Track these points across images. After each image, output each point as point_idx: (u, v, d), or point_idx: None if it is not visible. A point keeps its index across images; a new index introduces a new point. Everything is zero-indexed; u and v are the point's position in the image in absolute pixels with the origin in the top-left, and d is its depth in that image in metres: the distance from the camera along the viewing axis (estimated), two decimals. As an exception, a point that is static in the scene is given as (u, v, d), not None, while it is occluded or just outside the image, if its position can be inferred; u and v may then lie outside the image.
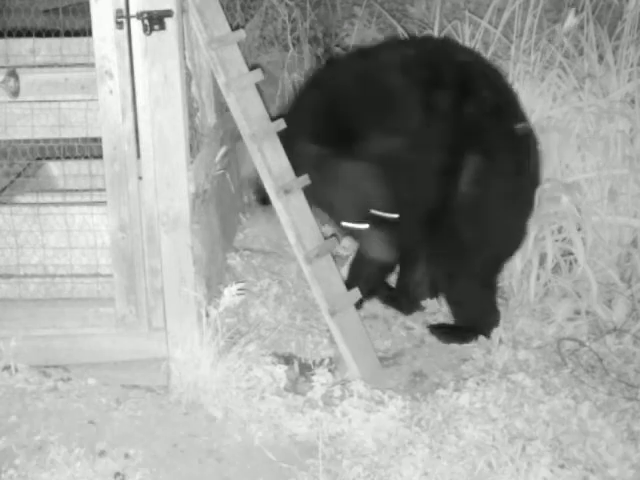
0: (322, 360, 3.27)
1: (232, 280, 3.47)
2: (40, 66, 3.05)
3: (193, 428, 2.83)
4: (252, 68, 3.25)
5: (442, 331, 3.51)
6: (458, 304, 3.49)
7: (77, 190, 3.26)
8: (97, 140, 2.92)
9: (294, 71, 4.53)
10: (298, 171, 3.12)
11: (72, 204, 3.04)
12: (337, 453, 2.77)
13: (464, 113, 3.15)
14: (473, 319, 3.48)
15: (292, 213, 3.10)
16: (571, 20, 3.84)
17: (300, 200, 3.15)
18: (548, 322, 3.57)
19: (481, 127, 3.17)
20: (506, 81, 3.47)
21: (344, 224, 3.26)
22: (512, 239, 3.46)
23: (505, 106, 3.29)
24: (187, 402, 2.92)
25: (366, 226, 3.18)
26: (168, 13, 2.73)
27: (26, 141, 3.08)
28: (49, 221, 3.02)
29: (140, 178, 2.86)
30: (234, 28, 3.28)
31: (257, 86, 3.19)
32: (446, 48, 3.46)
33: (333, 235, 3.73)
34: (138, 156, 2.85)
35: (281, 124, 3.16)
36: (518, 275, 3.72)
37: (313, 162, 3.15)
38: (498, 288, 3.58)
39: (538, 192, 3.50)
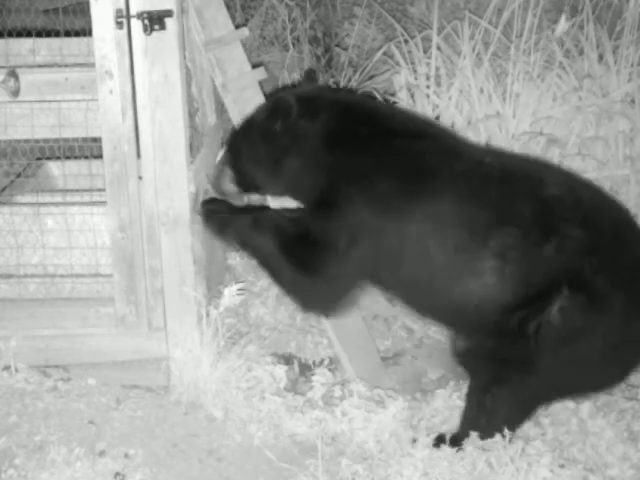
0: (322, 360, 3.27)
1: (232, 280, 3.48)
2: (40, 66, 3.05)
3: (193, 428, 2.83)
4: (255, 66, 3.26)
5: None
6: (481, 409, 2.86)
7: (77, 190, 3.26)
8: (97, 140, 2.92)
9: (294, 71, 4.53)
10: None
11: (72, 204, 3.05)
12: (337, 453, 2.77)
13: (545, 256, 2.73)
14: (487, 424, 2.88)
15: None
16: (563, 25, 3.85)
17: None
18: (548, 322, 3.57)
19: (571, 267, 2.72)
20: (613, 204, 2.96)
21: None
22: (597, 384, 2.95)
23: (606, 239, 2.79)
24: (187, 402, 2.92)
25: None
26: (168, 13, 2.73)
27: (26, 141, 3.09)
28: (49, 221, 3.02)
29: (140, 178, 2.86)
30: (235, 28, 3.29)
31: (260, 84, 3.19)
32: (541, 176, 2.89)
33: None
34: (138, 156, 2.85)
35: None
36: (518, 275, 3.71)
37: None
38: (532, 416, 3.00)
39: None
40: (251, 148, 2.95)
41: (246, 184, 3.01)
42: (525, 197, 2.80)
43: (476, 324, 2.83)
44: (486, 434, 2.78)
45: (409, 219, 2.79)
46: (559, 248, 2.72)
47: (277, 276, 2.97)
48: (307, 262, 2.88)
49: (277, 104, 2.91)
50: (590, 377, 2.87)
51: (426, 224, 2.78)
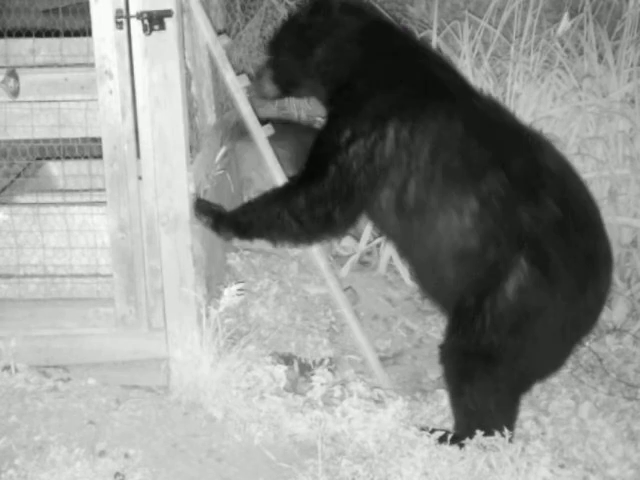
0: (322, 360, 3.27)
1: (232, 280, 3.48)
2: (40, 66, 3.05)
3: (193, 428, 2.83)
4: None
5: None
6: (466, 413, 2.92)
7: (77, 190, 3.26)
8: (97, 140, 2.92)
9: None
10: None
11: (72, 204, 3.04)
12: (337, 453, 2.77)
13: (519, 215, 2.80)
14: (475, 424, 2.89)
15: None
16: (565, 23, 3.84)
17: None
18: (548, 322, 3.57)
19: (537, 237, 2.79)
20: (589, 199, 3.00)
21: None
22: (551, 362, 3.00)
23: (575, 225, 2.86)
24: (187, 402, 2.92)
25: None
26: (168, 13, 2.73)
27: (26, 141, 3.08)
28: (49, 221, 3.02)
29: (140, 178, 2.86)
30: (234, 28, 3.30)
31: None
32: (532, 145, 2.98)
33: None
34: (138, 156, 2.85)
35: (269, 129, 3.20)
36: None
37: None
38: (518, 409, 3.02)
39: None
40: (291, 40, 3.11)
41: (284, 81, 3.15)
42: (521, 154, 2.88)
43: (447, 284, 2.89)
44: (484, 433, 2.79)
45: (418, 131, 2.85)
46: (533, 213, 2.79)
47: (283, 230, 3.00)
48: (309, 192, 2.95)
49: (319, 2, 3.06)
50: (549, 355, 2.91)
51: (430, 143, 2.84)
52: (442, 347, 2.95)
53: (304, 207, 2.95)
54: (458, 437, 2.83)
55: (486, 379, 2.85)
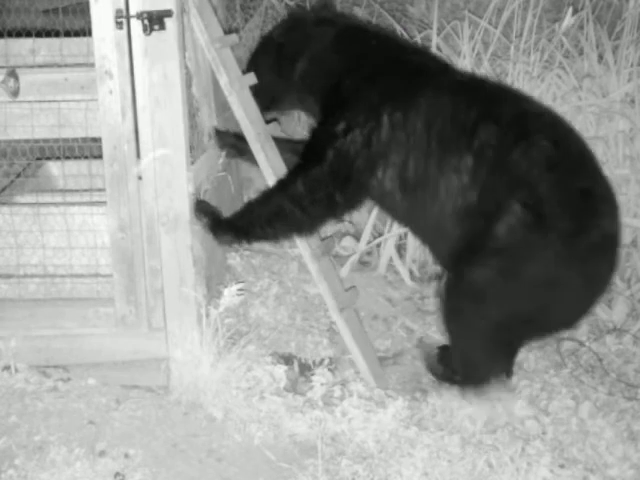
0: (322, 360, 3.27)
1: (232, 280, 3.48)
2: (40, 66, 3.05)
3: (193, 428, 2.83)
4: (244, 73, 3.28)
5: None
6: (460, 355, 3.02)
7: (77, 190, 3.26)
8: (97, 140, 2.92)
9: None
10: None
11: (72, 204, 3.04)
12: (337, 453, 2.77)
13: (510, 159, 2.82)
14: (468, 369, 3.04)
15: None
16: (569, 20, 3.84)
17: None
18: (548, 322, 3.57)
19: (529, 179, 2.79)
20: (582, 142, 2.99)
21: None
22: (556, 308, 2.85)
23: (569, 163, 2.86)
24: (187, 402, 2.92)
25: None
26: (168, 13, 2.73)
27: (26, 141, 3.08)
28: (49, 221, 3.02)
29: (140, 178, 2.86)
30: (233, 29, 3.30)
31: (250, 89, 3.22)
32: (512, 94, 3.14)
33: (330, 236, 3.76)
34: (138, 156, 2.85)
35: (275, 127, 3.21)
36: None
37: None
38: (515, 355, 3.12)
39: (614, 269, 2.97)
40: (271, 60, 3.24)
41: (268, 99, 3.24)
42: (505, 103, 2.97)
43: (446, 238, 2.94)
44: (475, 383, 2.94)
45: (411, 111, 2.93)
46: (525, 154, 2.80)
47: (286, 220, 3.03)
48: (309, 182, 2.99)
49: (294, 16, 3.25)
50: (544, 305, 2.83)
51: (423, 117, 2.92)
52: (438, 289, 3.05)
53: (304, 192, 2.98)
54: (460, 383, 2.99)
55: (472, 316, 2.85)
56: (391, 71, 3.05)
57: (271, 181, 3.13)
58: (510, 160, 2.81)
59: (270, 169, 3.11)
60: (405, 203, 3.00)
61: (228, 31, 3.57)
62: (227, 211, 3.67)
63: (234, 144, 3.36)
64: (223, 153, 3.40)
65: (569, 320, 3.00)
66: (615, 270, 2.95)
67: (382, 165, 2.96)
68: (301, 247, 3.15)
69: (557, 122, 3.00)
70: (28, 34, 3.12)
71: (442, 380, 3.19)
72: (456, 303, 2.90)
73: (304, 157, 3.07)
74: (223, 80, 3.10)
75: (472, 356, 2.96)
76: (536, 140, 2.82)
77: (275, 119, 3.41)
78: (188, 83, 3.05)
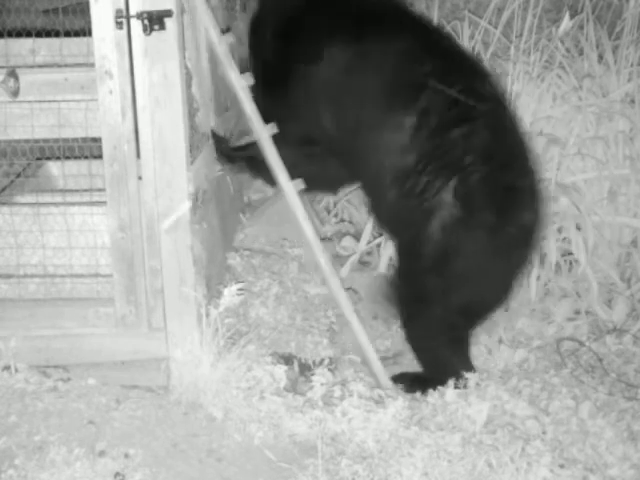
0: (322, 360, 3.27)
1: (232, 280, 3.48)
2: (40, 66, 3.05)
3: (193, 428, 2.83)
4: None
5: (403, 380, 3.22)
6: (416, 350, 3.23)
7: (77, 190, 3.26)
8: (97, 140, 2.91)
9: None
10: None
11: (72, 204, 3.04)
12: (337, 453, 2.77)
13: (450, 137, 2.93)
14: (432, 367, 3.20)
15: (307, 209, 3.21)
16: (567, 23, 3.84)
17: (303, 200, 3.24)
18: (548, 322, 3.57)
19: (463, 166, 2.92)
20: (519, 134, 3.11)
21: None
22: (487, 294, 3.13)
23: (502, 157, 2.99)
24: (187, 402, 2.92)
25: None
26: (168, 13, 2.73)
27: (26, 141, 3.08)
28: (49, 221, 3.02)
29: (140, 178, 2.86)
30: (232, 29, 3.30)
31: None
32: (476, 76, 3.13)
33: (329, 237, 3.77)
34: (138, 156, 2.85)
35: (272, 128, 3.22)
36: (518, 275, 3.72)
37: None
38: (468, 341, 3.24)
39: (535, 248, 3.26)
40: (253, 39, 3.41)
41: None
42: (460, 73, 3.03)
43: (389, 208, 3.06)
44: (443, 379, 3.05)
45: (361, 52, 3.01)
46: (465, 137, 2.92)
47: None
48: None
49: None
50: (484, 289, 3.08)
51: (378, 60, 3.00)
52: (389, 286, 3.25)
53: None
54: (425, 378, 3.13)
55: (423, 321, 3.08)
56: (348, 12, 3.11)
57: (281, 176, 3.13)
58: (450, 138, 2.92)
59: (280, 163, 3.14)
60: (347, 148, 3.10)
61: (226, 30, 3.57)
62: (227, 210, 3.68)
63: (226, 152, 3.41)
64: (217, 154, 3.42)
65: (499, 301, 3.22)
66: (533, 253, 3.24)
67: (325, 102, 3.06)
68: (312, 243, 3.17)
69: (502, 111, 3.08)
70: (28, 34, 3.11)
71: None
72: (407, 309, 3.14)
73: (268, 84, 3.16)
74: (234, 74, 3.11)
75: (432, 355, 3.15)
76: (478, 127, 2.93)
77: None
78: (188, 83, 3.06)
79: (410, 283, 3.09)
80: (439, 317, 3.06)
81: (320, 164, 3.31)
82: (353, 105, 3.01)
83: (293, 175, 3.15)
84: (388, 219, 3.17)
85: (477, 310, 3.16)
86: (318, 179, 3.36)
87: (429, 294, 3.04)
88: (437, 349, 3.13)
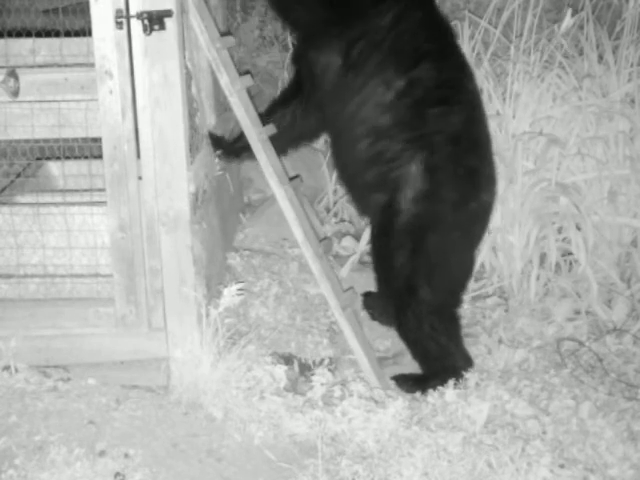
0: (322, 360, 3.28)
1: (232, 280, 3.48)
2: (40, 66, 3.05)
3: (193, 428, 2.83)
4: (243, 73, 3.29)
5: (404, 381, 3.23)
6: (412, 343, 3.25)
7: (77, 190, 3.26)
8: (97, 140, 2.92)
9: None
10: None
11: (72, 204, 3.04)
12: (337, 453, 2.77)
13: (430, 112, 3.09)
14: (433, 360, 3.23)
15: (297, 210, 3.17)
16: (568, 21, 3.84)
17: (297, 199, 3.22)
18: (548, 322, 3.57)
19: (433, 142, 3.08)
20: (485, 127, 3.32)
21: None
22: (459, 268, 3.27)
23: (467, 143, 3.16)
24: (187, 402, 2.92)
25: None
26: (168, 13, 2.73)
27: (26, 141, 3.08)
28: (49, 221, 3.02)
29: (140, 178, 2.86)
30: (233, 28, 3.30)
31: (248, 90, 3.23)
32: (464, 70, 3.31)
33: (329, 237, 3.77)
34: (138, 156, 2.85)
35: (271, 129, 3.21)
36: (518, 275, 3.73)
37: None
38: (458, 325, 3.31)
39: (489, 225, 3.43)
40: None
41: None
42: (450, 61, 3.21)
43: (361, 175, 3.18)
44: (445, 374, 3.12)
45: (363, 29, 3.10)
46: (441, 116, 3.09)
47: None
48: None
49: None
50: (457, 267, 3.25)
51: (397, 18, 3.11)
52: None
53: None
54: (424, 378, 3.19)
55: (414, 308, 3.15)
56: None
57: (272, 180, 3.13)
58: (428, 113, 3.08)
59: (271, 168, 3.12)
60: (337, 81, 3.15)
61: (227, 32, 3.58)
62: (227, 210, 3.68)
63: (228, 149, 3.42)
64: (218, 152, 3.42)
65: (469, 275, 3.38)
66: (487, 229, 3.42)
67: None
68: (302, 246, 3.15)
69: (477, 105, 3.29)
70: (28, 34, 3.11)
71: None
72: (397, 302, 3.19)
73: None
74: (224, 80, 3.11)
75: (429, 347, 3.21)
76: (455, 111, 3.13)
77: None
78: (188, 83, 3.06)
79: (388, 263, 3.18)
80: (426, 300, 3.13)
81: (302, 112, 3.38)
82: (365, 49, 3.10)
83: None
84: (353, 181, 3.29)
85: (454, 286, 3.29)
86: (297, 126, 3.42)
87: (414, 282, 3.13)
88: (432, 337, 3.18)
